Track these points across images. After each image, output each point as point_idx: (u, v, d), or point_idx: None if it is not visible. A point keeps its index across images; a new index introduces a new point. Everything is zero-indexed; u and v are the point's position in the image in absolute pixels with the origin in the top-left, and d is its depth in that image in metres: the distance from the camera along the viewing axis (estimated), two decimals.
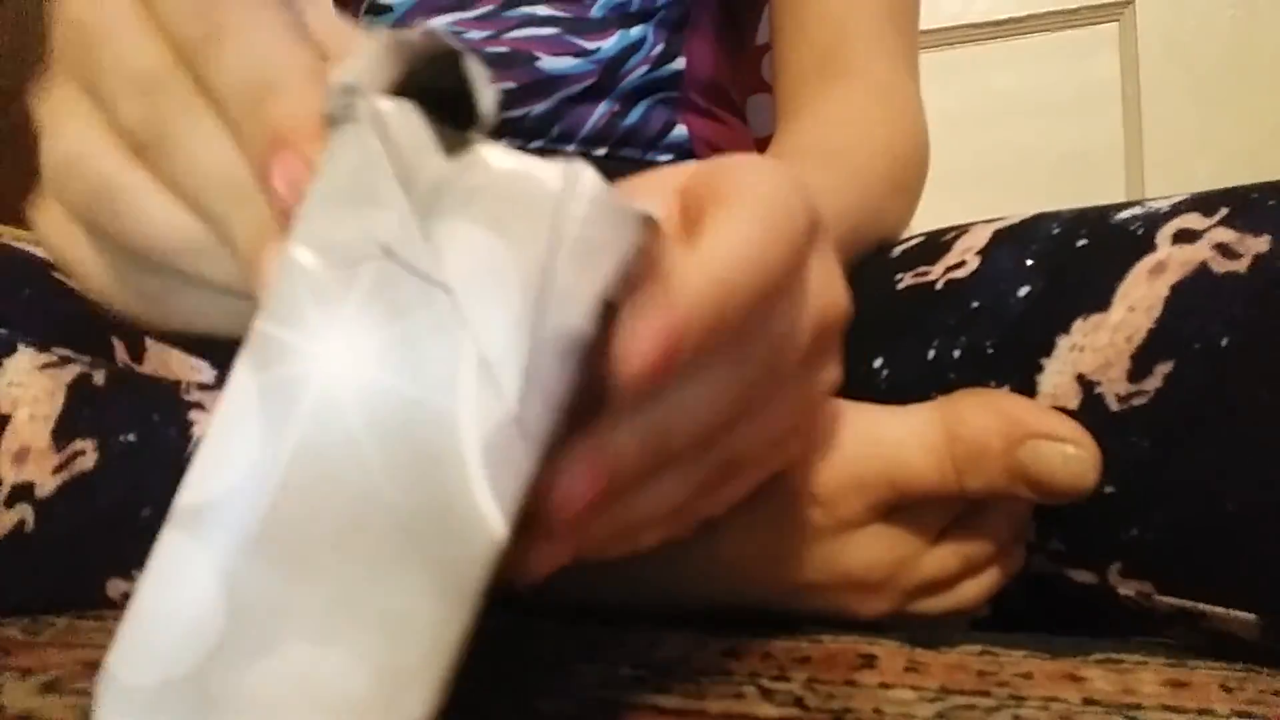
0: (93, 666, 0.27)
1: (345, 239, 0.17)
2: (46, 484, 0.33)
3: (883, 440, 0.29)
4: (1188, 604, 0.28)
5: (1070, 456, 0.27)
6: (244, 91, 0.19)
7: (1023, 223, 0.35)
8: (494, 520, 0.16)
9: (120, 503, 0.33)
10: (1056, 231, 0.33)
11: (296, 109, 0.18)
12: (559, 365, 0.17)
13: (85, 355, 0.37)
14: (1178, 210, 0.30)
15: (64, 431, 0.34)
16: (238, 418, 0.17)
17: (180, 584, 0.16)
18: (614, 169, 0.59)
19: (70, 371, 0.35)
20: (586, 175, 0.17)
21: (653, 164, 0.56)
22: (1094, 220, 0.33)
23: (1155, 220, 0.30)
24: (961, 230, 0.37)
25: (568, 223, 0.17)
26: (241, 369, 0.17)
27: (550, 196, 0.17)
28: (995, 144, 1.13)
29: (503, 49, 0.54)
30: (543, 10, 0.56)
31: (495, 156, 0.17)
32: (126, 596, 0.33)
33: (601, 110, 0.56)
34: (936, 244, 0.38)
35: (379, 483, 0.16)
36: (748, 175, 0.22)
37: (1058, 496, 0.27)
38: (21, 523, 0.33)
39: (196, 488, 0.17)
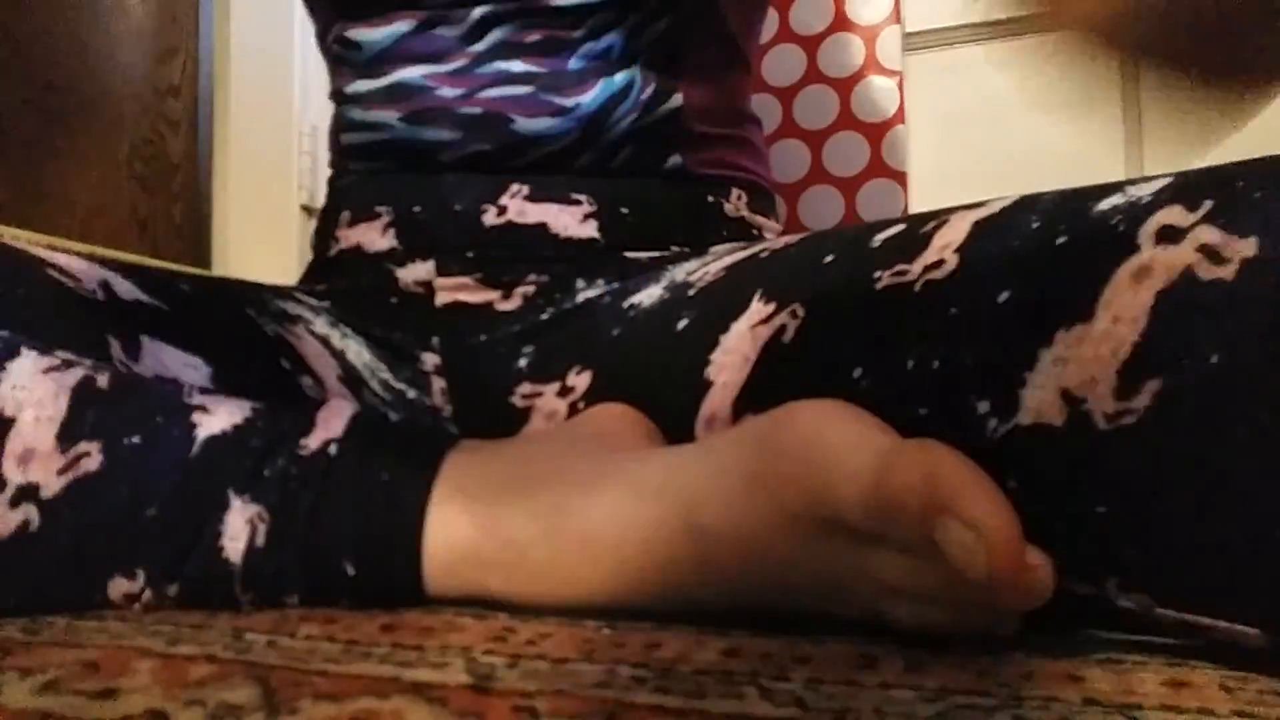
0: (93, 666, 0.27)
1: None
2: (51, 485, 0.33)
3: (820, 448, 0.29)
4: (1188, 617, 0.27)
5: (966, 547, 0.25)
6: None
7: (1003, 212, 0.34)
8: None
9: (124, 504, 0.33)
10: (1036, 226, 0.32)
11: None
12: None
13: (83, 354, 0.36)
14: (1160, 200, 0.29)
15: (69, 434, 0.34)
16: None
17: None
18: (608, 186, 0.57)
19: (74, 375, 0.35)
20: None
21: (648, 185, 0.55)
22: (1074, 212, 0.31)
23: (1137, 214, 0.29)
24: (941, 220, 0.36)
25: None
26: None
27: None
28: (995, 144, 1.12)
29: (476, 110, 0.52)
30: (517, 66, 0.53)
31: None
32: (128, 597, 0.33)
33: (586, 159, 0.54)
34: (916, 236, 0.37)
35: None
36: None
37: (961, 576, 0.26)
38: (25, 523, 0.33)
39: None
